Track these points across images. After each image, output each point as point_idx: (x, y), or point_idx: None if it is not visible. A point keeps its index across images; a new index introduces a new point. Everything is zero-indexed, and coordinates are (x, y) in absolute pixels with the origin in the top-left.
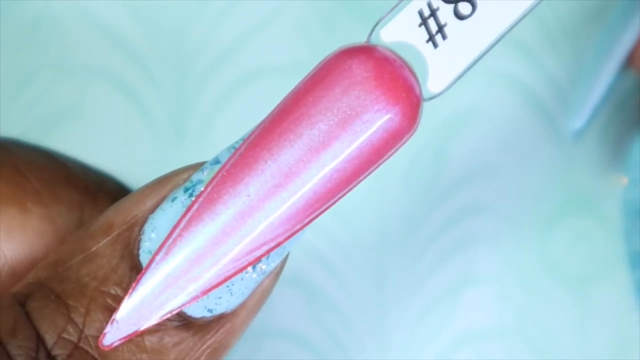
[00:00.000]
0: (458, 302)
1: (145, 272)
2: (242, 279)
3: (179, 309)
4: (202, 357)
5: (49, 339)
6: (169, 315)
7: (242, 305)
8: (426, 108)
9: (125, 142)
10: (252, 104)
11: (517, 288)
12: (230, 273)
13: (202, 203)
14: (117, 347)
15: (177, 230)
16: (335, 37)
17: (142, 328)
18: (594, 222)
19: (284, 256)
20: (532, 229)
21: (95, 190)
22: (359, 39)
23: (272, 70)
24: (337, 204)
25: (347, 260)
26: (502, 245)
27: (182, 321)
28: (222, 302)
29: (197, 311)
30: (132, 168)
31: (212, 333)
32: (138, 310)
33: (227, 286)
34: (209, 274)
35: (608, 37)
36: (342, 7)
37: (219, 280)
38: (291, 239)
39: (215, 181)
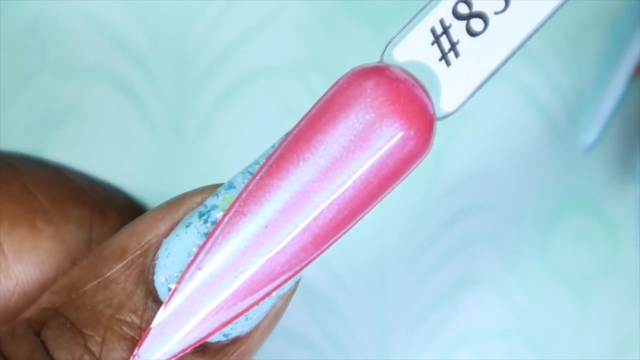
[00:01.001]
0: (458, 302)
1: (165, 305)
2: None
3: (200, 342)
4: None
5: None
6: (191, 349)
7: (256, 327)
8: None
9: (125, 142)
10: (252, 104)
11: (517, 288)
12: (250, 304)
13: (220, 233)
14: None
15: (197, 262)
16: (335, 37)
17: None
18: (594, 222)
19: (297, 278)
20: (532, 229)
21: (104, 206)
22: (359, 39)
23: (272, 70)
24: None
25: (346, 261)
26: (502, 245)
27: (198, 347)
28: (238, 327)
29: (213, 336)
30: (132, 168)
31: (227, 357)
32: (159, 344)
33: None
34: (229, 307)
35: (616, 48)
36: (342, 7)
37: (239, 312)
38: None
39: (232, 210)
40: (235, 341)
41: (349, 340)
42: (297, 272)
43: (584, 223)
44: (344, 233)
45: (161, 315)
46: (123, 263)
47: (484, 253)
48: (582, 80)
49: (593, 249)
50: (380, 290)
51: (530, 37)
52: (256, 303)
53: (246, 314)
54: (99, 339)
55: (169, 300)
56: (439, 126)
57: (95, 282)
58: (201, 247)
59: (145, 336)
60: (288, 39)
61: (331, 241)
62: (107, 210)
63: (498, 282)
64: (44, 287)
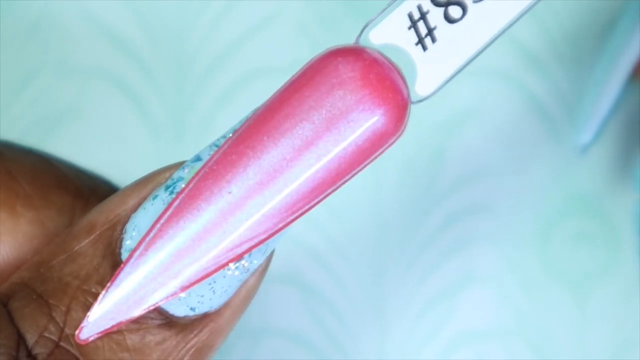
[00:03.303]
0: (458, 302)
1: (123, 266)
2: (224, 277)
3: (157, 305)
4: (186, 357)
5: (30, 338)
6: (146, 311)
7: (226, 305)
8: (426, 107)
9: (124, 141)
10: (251, 104)
11: (517, 288)
12: (210, 270)
13: (183, 199)
14: (93, 341)
15: (158, 226)
16: (335, 37)
17: (119, 322)
18: (594, 223)
19: (267, 254)
20: (532, 229)
21: (88, 195)
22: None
23: (271, 70)
24: (333, 203)
25: (345, 261)
26: (502, 245)
27: (165, 320)
28: (205, 301)
29: (179, 310)
30: (131, 168)
31: (195, 332)
32: (116, 304)
33: (210, 284)
34: (188, 270)
35: (614, 49)
36: (342, 7)
37: (198, 277)
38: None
39: (197, 178)
40: (204, 317)
41: (348, 340)
42: (260, 242)
43: (584, 223)
44: (309, 208)
45: (118, 276)
46: (91, 237)
47: (484, 253)
48: (581, 80)
49: (593, 249)
50: (380, 290)
51: (508, 27)
52: (217, 269)
53: (213, 288)
54: (63, 308)
55: (127, 261)
56: (438, 125)
57: (63, 256)
58: (164, 211)
59: (100, 297)
60: (288, 39)
61: (295, 214)
62: (91, 199)
63: (498, 282)
64: None
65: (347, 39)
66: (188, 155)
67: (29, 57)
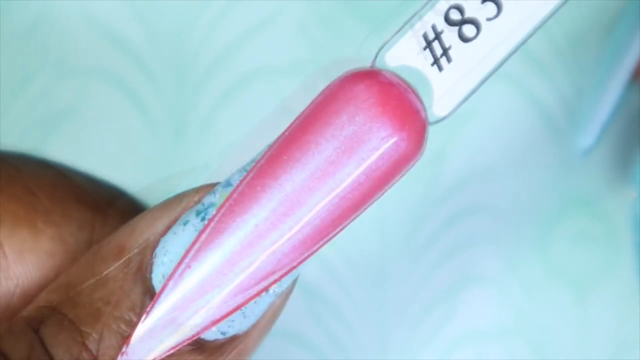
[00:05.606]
0: (458, 302)
1: (154, 303)
2: (255, 302)
3: (190, 340)
4: None
5: None
6: (179, 347)
7: (254, 326)
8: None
9: (124, 141)
10: (252, 104)
11: (517, 288)
12: (239, 302)
13: (210, 233)
14: None
15: (186, 261)
16: (335, 37)
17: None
18: (594, 223)
19: (295, 277)
20: (532, 229)
21: (106, 207)
22: (359, 39)
23: (272, 70)
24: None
25: (346, 261)
26: (502, 245)
27: (195, 344)
28: (235, 325)
29: (210, 334)
30: (132, 168)
31: (224, 355)
32: (148, 341)
33: (241, 309)
34: (218, 305)
35: (614, 51)
36: (342, 7)
37: (229, 310)
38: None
39: (222, 210)
40: (233, 339)
41: (349, 340)
42: (287, 273)
43: (584, 223)
44: (334, 235)
45: (149, 313)
46: (121, 261)
47: (484, 253)
48: (582, 81)
49: (593, 249)
50: (381, 290)
51: (522, 43)
52: (247, 301)
53: (243, 312)
54: (96, 336)
55: (157, 297)
56: (439, 126)
57: (93, 280)
58: (191, 245)
59: (134, 333)
60: (288, 39)
61: (321, 242)
62: (109, 211)
63: (498, 282)
64: (44, 288)
65: (347, 40)
66: (188, 155)
67: (29, 58)
